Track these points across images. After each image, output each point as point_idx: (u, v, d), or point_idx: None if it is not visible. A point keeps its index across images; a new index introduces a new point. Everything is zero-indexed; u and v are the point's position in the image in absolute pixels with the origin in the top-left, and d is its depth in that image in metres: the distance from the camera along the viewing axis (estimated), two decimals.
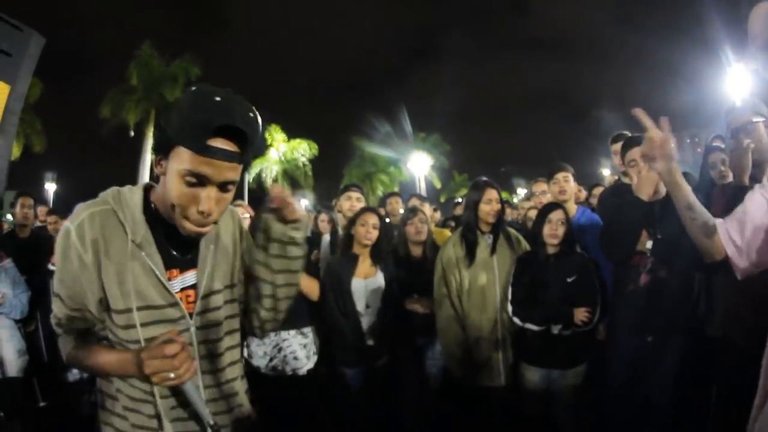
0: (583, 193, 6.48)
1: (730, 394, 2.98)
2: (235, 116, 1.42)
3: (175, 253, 1.64)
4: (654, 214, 3.19)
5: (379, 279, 3.93)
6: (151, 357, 1.42)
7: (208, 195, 1.47)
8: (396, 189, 34.53)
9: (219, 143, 1.43)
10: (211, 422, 1.56)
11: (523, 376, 3.64)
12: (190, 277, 1.66)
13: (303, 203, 28.62)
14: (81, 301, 1.57)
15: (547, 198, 4.82)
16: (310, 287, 3.79)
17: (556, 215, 3.56)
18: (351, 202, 4.89)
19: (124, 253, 1.54)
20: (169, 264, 1.62)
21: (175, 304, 1.60)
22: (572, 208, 4.32)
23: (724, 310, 3.14)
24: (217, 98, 1.43)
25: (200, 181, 1.45)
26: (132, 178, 24.10)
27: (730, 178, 3.66)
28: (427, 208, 5.73)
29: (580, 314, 3.37)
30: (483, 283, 3.72)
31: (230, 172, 1.48)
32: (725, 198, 2.93)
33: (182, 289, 1.64)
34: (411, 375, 4.17)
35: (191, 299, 1.66)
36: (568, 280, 3.49)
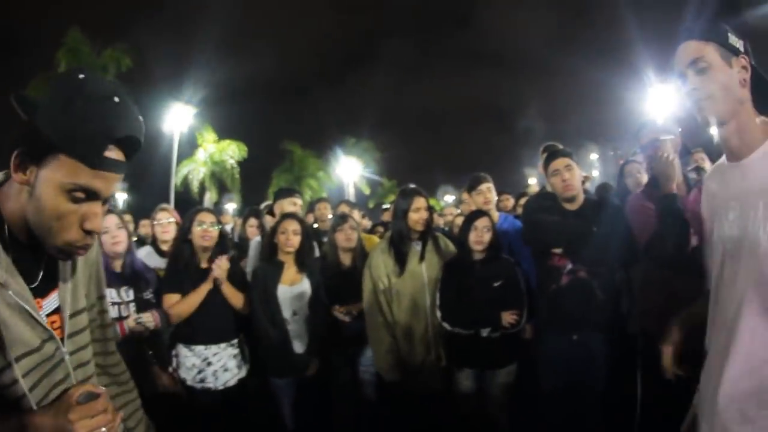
0: (511, 202, 6.65)
1: (653, 385, 3.15)
2: (135, 124, 1.27)
3: (33, 278, 1.35)
4: (573, 219, 3.46)
5: (305, 285, 3.92)
6: (81, 418, 1.21)
7: (95, 212, 1.28)
8: (324, 194, 34.46)
9: (113, 154, 1.26)
10: None
11: (456, 379, 3.71)
12: (52, 300, 1.41)
13: (230, 207, 28.12)
14: None
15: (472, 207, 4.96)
16: (236, 298, 3.72)
17: (482, 222, 3.66)
18: (296, 208, 4.82)
19: None
20: (33, 293, 1.33)
21: (50, 339, 1.34)
22: (495, 215, 4.43)
23: (641, 307, 3.34)
24: (116, 99, 1.23)
25: (88, 196, 1.25)
26: None
27: (643, 186, 4.02)
28: (356, 215, 5.69)
29: (508, 317, 3.47)
30: (412, 289, 3.75)
31: (117, 184, 1.32)
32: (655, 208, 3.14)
33: (47, 316, 1.37)
34: (344, 382, 4.17)
35: (57, 324, 1.40)
36: (495, 284, 3.58)
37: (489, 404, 3.71)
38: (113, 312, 3.30)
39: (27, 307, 1.27)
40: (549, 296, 3.47)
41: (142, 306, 3.43)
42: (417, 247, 3.85)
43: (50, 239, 1.26)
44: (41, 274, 1.36)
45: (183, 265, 3.66)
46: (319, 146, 37.41)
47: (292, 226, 3.92)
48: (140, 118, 1.29)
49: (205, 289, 3.58)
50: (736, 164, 1.74)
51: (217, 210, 9.85)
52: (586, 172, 4.91)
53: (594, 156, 44.37)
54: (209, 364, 3.60)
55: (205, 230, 3.68)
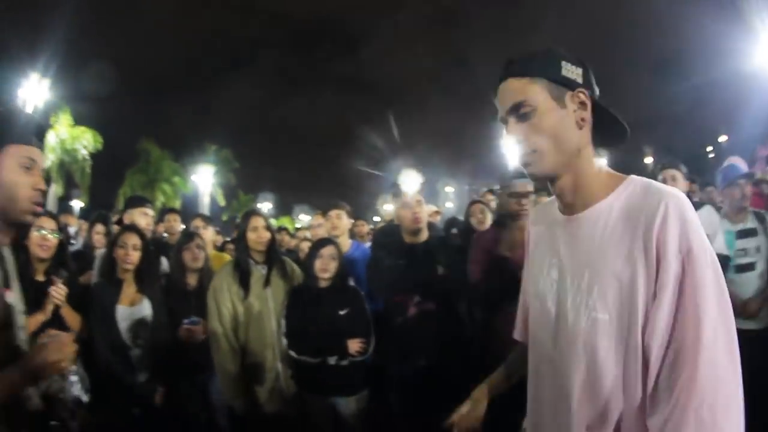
0: (366, 228, 6.85)
1: None
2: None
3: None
4: (417, 255, 3.62)
5: (145, 307, 3.68)
6: (55, 349, 1.73)
7: (39, 177, 1.78)
8: (178, 201, 33.16)
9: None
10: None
11: (309, 405, 3.66)
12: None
13: (76, 204, 25.99)
14: None
15: (323, 232, 5.04)
16: (74, 321, 3.43)
17: (328, 251, 3.68)
18: (147, 219, 4.60)
19: None
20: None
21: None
22: (346, 242, 4.53)
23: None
24: (28, 110, 1.96)
25: (32, 166, 1.74)
26: None
27: (486, 225, 4.59)
28: (210, 232, 5.49)
29: (354, 345, 3.50)
30: (258, 315, 3.68)
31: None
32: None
33: None
34: (194, 411, 3.99)
35: None
36: (341, 312, 3.60)
37: (343, 429, 3.66)
38: None
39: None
40: (396, 328, 3.57)
41: None
42: (262, 270, 3.79)
43: (18, 205, 1.70)
44: None
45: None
46: (179, 149, 35.72)
47: (132, 240, 3.67)
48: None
49: (39, 319, 3.19)
50: (567, 218, 1.45)
51: (62, 207, 9.13)
52: (440, 203, 5.25)
53: (450, 189, 46.59)
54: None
55: (43, 237, 3.38)
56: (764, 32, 15.90)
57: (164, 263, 4.46)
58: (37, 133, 1.83)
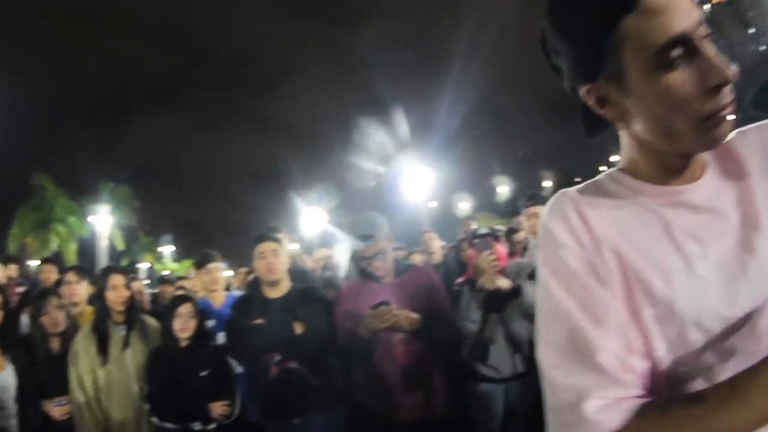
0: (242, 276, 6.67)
1: None
2: None
3: None
4: (274, 311, 3.46)
5: (8, 375, 3.52)
6: None
7: None
8: (74, 245, 31.58)
9: None
10: None
11: None
12: None
13: None
14: None
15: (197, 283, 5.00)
16: None
17: (185, 309, 3.59)
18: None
19: None
20: None
21: None
22: (220, 297, 4.39)
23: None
24: None
25: None
26: None
27: None
28: (84, 287, 5.21)
29: (217, 408, 3.45)
30: (119, 380, 3.58)
31: None
32: None
33: None
34: None
35: None
36: (202, 373, 3.53)
37: None
38: None
39: None
40: (260, 389, 3.46)
41: None
42: (122, 332, 3.70)
43: None
44: None
45: None
46: (77, 186, 33.69)
47: None
48: None
49: None
50: (676, 188, 0.96)
51: None
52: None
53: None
54: None
55: None
56: None
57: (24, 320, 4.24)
58: None
